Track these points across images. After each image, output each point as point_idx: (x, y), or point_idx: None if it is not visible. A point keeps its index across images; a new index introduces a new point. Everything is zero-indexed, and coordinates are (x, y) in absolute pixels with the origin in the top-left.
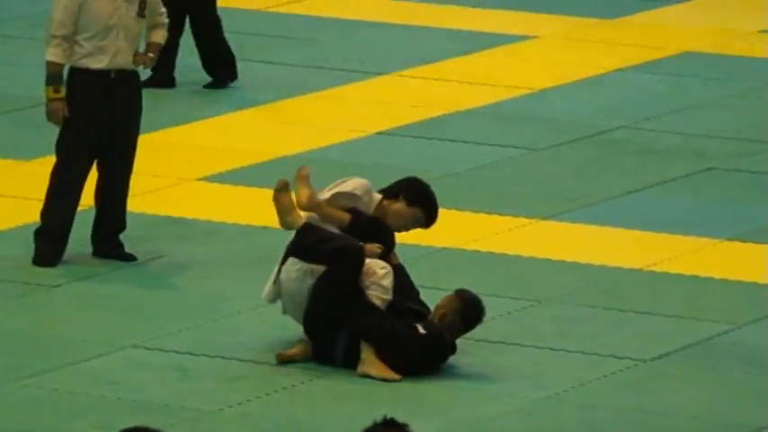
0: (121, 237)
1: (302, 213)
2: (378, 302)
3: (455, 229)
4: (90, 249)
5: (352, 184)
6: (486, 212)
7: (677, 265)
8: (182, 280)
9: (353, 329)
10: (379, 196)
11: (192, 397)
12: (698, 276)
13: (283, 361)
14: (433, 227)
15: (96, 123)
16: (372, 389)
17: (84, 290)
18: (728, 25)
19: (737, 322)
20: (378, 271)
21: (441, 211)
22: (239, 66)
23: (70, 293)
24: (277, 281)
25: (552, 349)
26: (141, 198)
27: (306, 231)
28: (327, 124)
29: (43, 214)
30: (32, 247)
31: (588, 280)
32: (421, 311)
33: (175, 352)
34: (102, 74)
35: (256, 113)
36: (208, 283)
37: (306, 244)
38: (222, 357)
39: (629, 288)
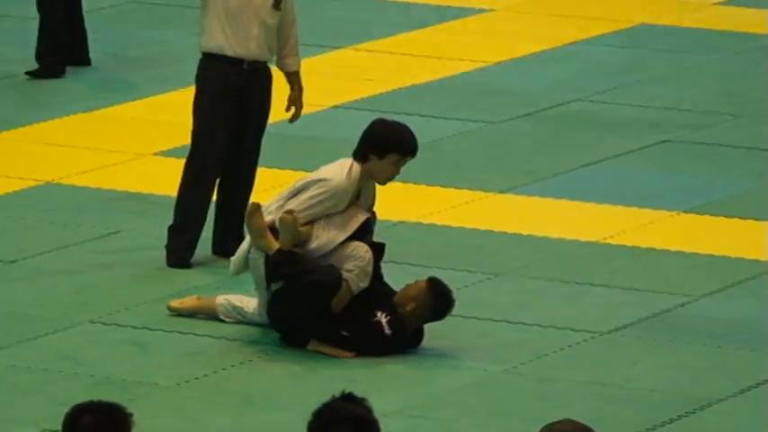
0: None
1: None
2: (353, 288)
3: (411, 203)
4: (46, 224)
5: (322, 192)
6: (442, 186)
7: (634, 238)
8: (139, 255)
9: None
10: (358, 167)
11: (149, 372)
12: (655, 249)
13: (174, 310)
14: (390, 201)
15: (229, 112)
16: (328, 364)
17: (40, 265)
18: None
19: (695, 294)
20: (363, 255)
21: (396, 185)
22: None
23: (26, 268)
24: (247, 259)
25: (509, 322)
26: (98, 173)
27: (283, 259)
28: (283, 98)
29: (175, 210)
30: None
31: (545, 253)
32: (387, 292)
33: (132, 327)
34: (236, 62)
35: None
36: (164, 258)
37: (284, 273)
38: (179, 332)
39: (586, 261)
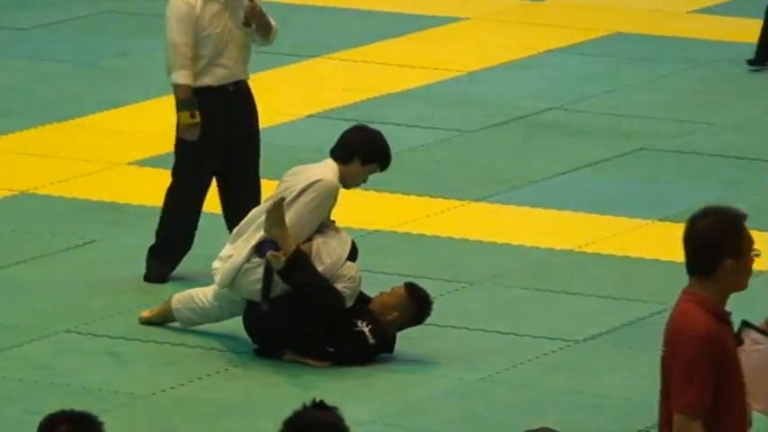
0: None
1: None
2: (343, 308)
3: (387, 212)
4: (22, 234)
5: (318, 194)
6: (417, 195)
7: (609, 246)
8: (114, 265)
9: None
10: (336, 168)
11: (125, 381)
12: (629, 257)
13: (145, 320)
14: (365, 210)
15: (218, 140)
16: (304, 373)
17: (15, 275)
18: (658, 5)
19: (669, 302)
20: (354, 276)
21: (371, 194)
22: None
23: (1, 278)
24: (236, 275)
25: (485, 331)
26: (73, 182)
27: (300, 264)
28: (259, 107)
29: (158, 231)
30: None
31: (520, 261)
32: (362, 298)
33: (108, 337)
34: (221, 89)
35: None
36: (140, 267)
37: (299, 280)
38: (154, 342)
39: (561, 269)
